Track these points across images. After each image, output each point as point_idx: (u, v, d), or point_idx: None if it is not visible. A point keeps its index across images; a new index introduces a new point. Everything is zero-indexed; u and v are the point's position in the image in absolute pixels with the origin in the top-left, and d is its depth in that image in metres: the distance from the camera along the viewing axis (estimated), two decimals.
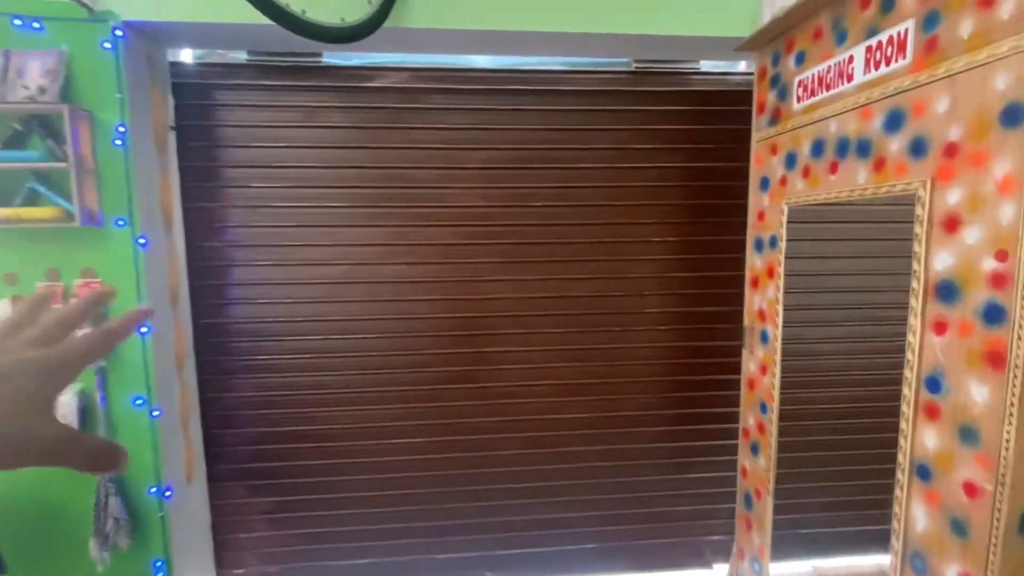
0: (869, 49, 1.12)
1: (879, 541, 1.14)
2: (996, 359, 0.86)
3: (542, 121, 1.89)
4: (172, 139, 1.77)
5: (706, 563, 2.14)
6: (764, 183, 1.52)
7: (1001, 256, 0.85)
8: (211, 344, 1.88)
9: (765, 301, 1.52)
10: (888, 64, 1.07)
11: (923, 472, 1.02)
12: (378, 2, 1.47)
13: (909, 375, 1.03)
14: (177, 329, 1.78)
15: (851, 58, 1.17)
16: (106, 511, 1.58)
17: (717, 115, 1.93)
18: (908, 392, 1.03)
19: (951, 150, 0.94)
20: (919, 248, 1.00)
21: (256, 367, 1.90)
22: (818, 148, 1.28)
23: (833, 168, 1.23)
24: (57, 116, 1.46)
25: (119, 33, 1.51)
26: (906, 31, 1.03)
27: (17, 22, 1.47)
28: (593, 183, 1.93)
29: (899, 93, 1.04)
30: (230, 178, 1.82)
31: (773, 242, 1.47)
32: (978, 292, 0.89)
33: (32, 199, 1.50)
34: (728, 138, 1.92)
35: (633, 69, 1.90)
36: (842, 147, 1.20)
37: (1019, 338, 0.82)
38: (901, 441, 1.05)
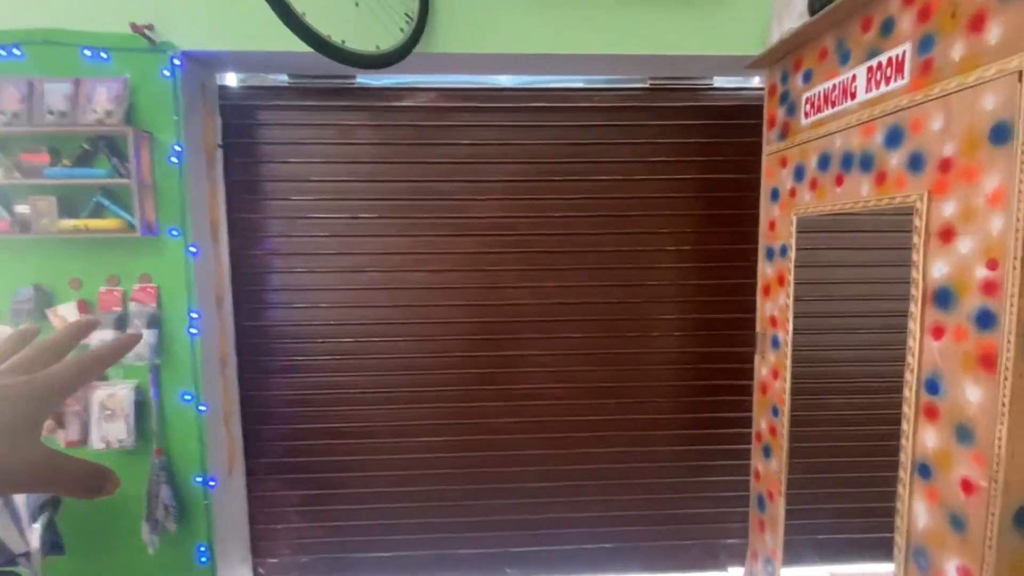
0: (870, 69, 1.18)
1: (890, 548, 1.17)
2: (988, 362, 0.91)
3: (562, 136, 1.99)
4: (220, 156, 1.92)
5: (721, 566, 2.17)
6: (774, 194, 1.58)
7: (992, 265, 0.91)
8: (251, 345, 2.02)
9: (776, 308, 1.57)
10: (888, 83, 1.14)
11: (924, 471, 1.06)
12: (410, 30, 1.59)
13: (910, 378, 1.08)
14: (221, 331, 1.93)
15: (854, 77, 1.23)
16: (157, 498, 1.71)
17: (729, 129, 2.00)
18: (909, 394, 1.08)
19: (945, 165, 1.00)
20: (918, 257, 1.05)
21: (292, 367, 2.02)
22: (824, 162, 1.34)
23: (839, 181, 1.29)
24: (121, 137, 1.63)
25: (177, 62, 1.66)
26: (904, 53, 1.09)
27: (87, 52, 1.64)
28: (611, 195, 2.01)
29: (898, 111, 1.10)
30: (271, 191, 1.96)
31: (784, 251, 1.53)
32: (971, 299, 0.95)
33: (98, 211, 1.66)
34: (740, 151, 1.98)
35: (649, 86, 1.98)
36: (847, 161, 1.26)
37: (1009, 342, 0.88)
38: (903, 441, 1.10)
